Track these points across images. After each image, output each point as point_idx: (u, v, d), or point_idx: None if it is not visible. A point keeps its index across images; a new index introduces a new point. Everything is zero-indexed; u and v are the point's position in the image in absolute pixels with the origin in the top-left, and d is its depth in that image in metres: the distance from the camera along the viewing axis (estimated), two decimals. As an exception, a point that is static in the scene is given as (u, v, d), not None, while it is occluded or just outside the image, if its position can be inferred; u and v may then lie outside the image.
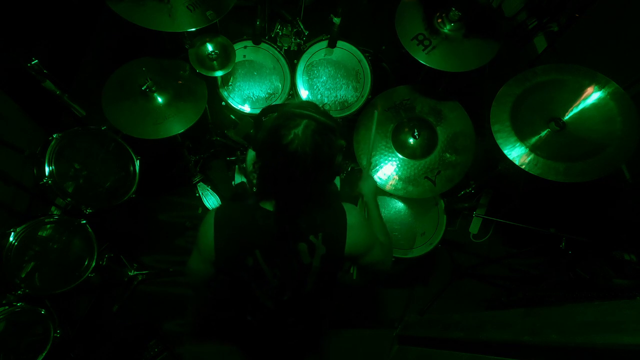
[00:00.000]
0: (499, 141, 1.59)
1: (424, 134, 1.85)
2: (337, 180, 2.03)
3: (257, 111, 1.85)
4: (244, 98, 1.96)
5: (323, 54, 2.01)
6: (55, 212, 1.90)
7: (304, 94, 1.95)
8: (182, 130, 1.72)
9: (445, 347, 1.64)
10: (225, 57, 1.82)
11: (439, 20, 1.73)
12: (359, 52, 2.00)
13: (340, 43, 1.98)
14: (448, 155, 1.83)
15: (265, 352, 1.97)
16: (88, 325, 1.96)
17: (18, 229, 1.56)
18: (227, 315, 2.06)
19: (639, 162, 2.08)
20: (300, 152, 0.90)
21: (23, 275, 1.57)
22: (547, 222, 1.83)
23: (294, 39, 2.22)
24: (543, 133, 1.59)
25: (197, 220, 2.28)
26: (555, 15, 2.64)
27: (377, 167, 1.84)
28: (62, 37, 2.34)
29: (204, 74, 1.76)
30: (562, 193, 2.22)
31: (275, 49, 1.99)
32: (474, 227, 2.47)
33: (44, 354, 1.54)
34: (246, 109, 1.93)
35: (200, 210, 2.31)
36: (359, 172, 2.18)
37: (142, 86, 1.68)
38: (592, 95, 1.56)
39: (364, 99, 1.96)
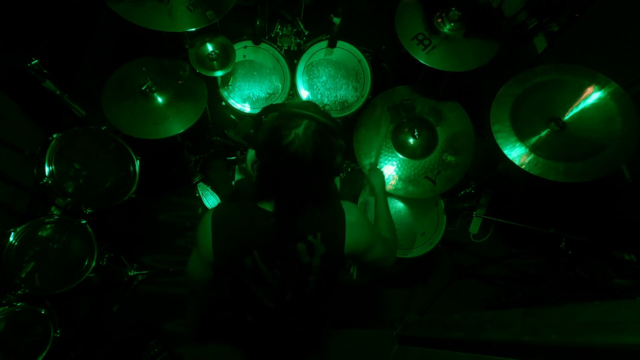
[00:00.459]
0: (499, 141, 1.59)
1: (424, 134, 1.85)
2: (337, 180, 2.03)
3: (257, 111, 1.86)
4: (244, 98, 1.96)
5: (323, 54, 2.01)
6: (55, 212, 1.90)
7: (304, 94, 1.95)
8: (182, 130, 1.71)
9: (445, 347, 1.64)
10: (225, 57, 1.82)
11: (439, 20, 1.73)
12: (359, 52, 2.00)
13: (340, 43, 1.98)
14: (448, 155, 1.83)
15: (266, 352, 1.97)
16: (88, 325, 1.96)
17: (18, 229, 1.56)
18: (228, 315, 2.06)
19: (639, 162, 2.08)
20: (300, 152, 0.90)
21: (23, 275, 1.57)
22: (547, 222, 1.83)
23: (294, 39, 2.22)
24: (543, 133, 1.59)
25: (197, 220, 2.27)
26: (555, 15, 2.64)
27: (378, 167, 1.84)
28: (62, 37, 2.34)
29: (204, 74, 1.76)
30: (562, 193, 2.22)
31: (275, 49, 1.99)
32: (474, 227, 2.47)
33: (44, 354, 1.55)
34: (246, 109, 1.93)
35: (200, 210, 2.31)
36: (359, 172, 2.18)
37: (142, 86, 1.68)
38: (592, 95, 1.56)
39: (364, 99, 1.96)
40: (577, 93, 1.58)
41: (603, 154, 1.50)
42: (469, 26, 1.73)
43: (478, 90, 2.37)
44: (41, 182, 1.55)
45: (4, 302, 1.53)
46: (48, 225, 1.67)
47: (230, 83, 1.96)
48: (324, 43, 1.98)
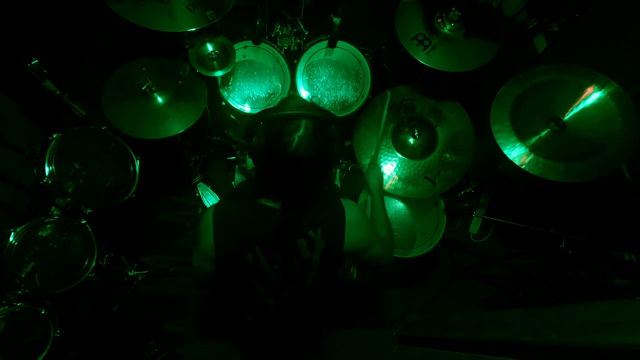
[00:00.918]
0: (499, 141, 1.59)
1: (424, 134, 1.85)
2: (337, 181, 2.03)
3: (257, 111, 1.86)
4: (244, 98, 1.96)
5: (323, 54, 2.01)
6: (55, 212, 1.90)
7: (304, 94, 1.95)
8: (182, 130, 1.71)
9: (445, 347, 1.64)
10: (225, 57, 1.82)
11: (439, 20, 1.73)
12: (359, 52, 2.00)
13: (340, 43, 1.98)
14: (448, 155, 1.83)
15: (266, 351, 1.97)
16: (88, 325, 1.96)
17: (18, 229, 1.56)
18: (227, 314, 2.06)
19: (639, 162, 2.08)
20: (308, 154, 0.91)
21: (23, 275, 1.57)
22: (547, 222, 1.83)
23: (294, 39, 2.22)
24: (543, 133, 1.59)
25: (197, 220, 2.27)
26: (555, 15, 2.64)
27: (377, 163, 1.83)
28: (62, 37, 2.34)
29: (204, 74, 1.76)
30: (562, 193, 2.22)
31: (275, 49, 1.99)
32: (474, 227, 2.47)
33: (44, 354, 1.54)
34: (246, 109, 1.93)
35: (200, 210, 2.31)
36: (359, 172, 2.19)
37: (142, 86, 1.68)
38: (592, 95, 1.56)
39: (364, 99, 1.96)
40: (577, 93, 1.58)
41: (603, 154, 1.50)
42: (469, 26, 1.73)
43: (478, 90, 2.37)
44: (41, 182, 1.55)
45: (4, 302, 1.53)
46: (48, 225, 1.66)
47: (230, 83, 1.96)
48: (324, 43, 1.98)
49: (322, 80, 1.99)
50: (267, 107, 1.10)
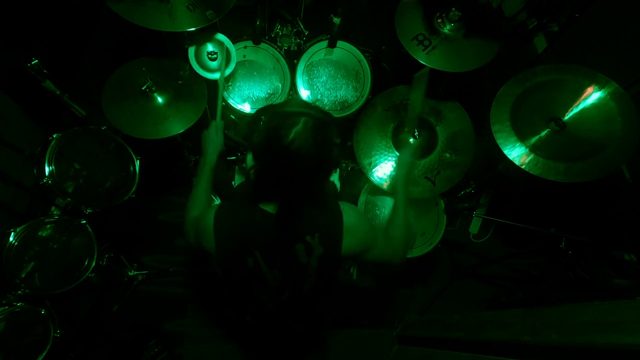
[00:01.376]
0: (499, 141, 1.59)
1: (423, 134, 1.85)
2: (337, 181, 2.03)
3: (257, 111, 1.85)
4: (244, 98, 1.96)
5: (323, 54, 2.01)
6: (55, 212, 1.90)
7: (304, 94, 1.95)
8: (182, 130, 1.71)
9: (445, 347, 1.64)
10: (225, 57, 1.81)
11: (439, 20, 1.73)
12: (359, 52, 2.00)
13: (340, 43, 1.98)
14: (448, 155, 1.83)
15: (266, 352, 1.98)
16: (88, 325, 1.96)
17: (18, 229, 1.56)
18: (227, 315, 2.06)
19: (639, 162, 2.08)
20: (303, 151, 0.91)
21: (23, 275, 1.57)
22: (547, 222, 1.83)
23: (294, 39, 2.22)
24: (543, 133, 1.59)
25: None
26: (555, 15, 2.64)
27: (377, 166, 1.83)
28: (62, 37, 2.34)
29: (205, 76, 1.76)
30: (563, 193, 2.22)
31: (275, 49, 1.99)
32: (474, 227, 2.47)
33: (44, 354, 1.55)
34: (246, 109, 1.93)
35: (200, 211, 2.30)
36: (359, 172, 2.18)
37: (142, 86, 1.68)
38: (592, 95, 1.56)
39: (364, 99, 1.96)
40: (577, 93, 1.58)
41: (603, 154, 1.50)
42: (469, 26, 1.73)
43: (478, 90, 2.37)
44: (41, 182, 1.55)
45: (4, 302, 1.53)
46: (48, 225, 1.67)
47: (230, 83, 1.96)
48: (324, 43, 1.98)
49: (322, 80, 1.99)
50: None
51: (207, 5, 1.63)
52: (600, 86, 1.55)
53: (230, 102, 1.92)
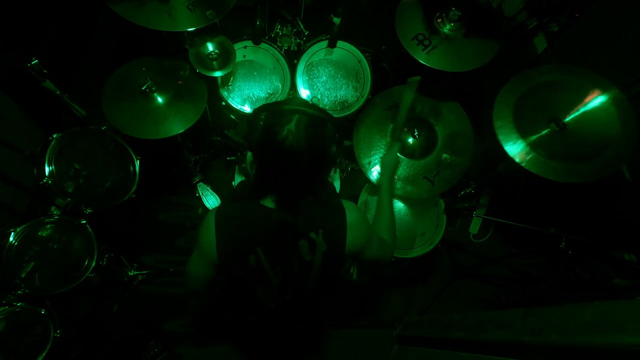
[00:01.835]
0: (500, 137, 1.59)
1: (423, 134, 1.85)
2: (337, 181, 2.03)
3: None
4: (244, 98, 1.96)
5: (323, 54, 2.01)
6: (55, 212, 1.90)
7: (304, 94, 1.95)
8: (182, 130, 1.71)
9: (445, 347, 1.64)
10: (225, 57, 1.81)
11: (439, 20, 1.73)
12: (359, 52, 2.00)
13: (340, 43, 1.98)
14: (447, 155, 1.83)
15: (266, 352, 1.97)
16: (88, 325, 1.96)
17: (18, 229, 1.56)
18: (228, 315, 2.06)
19: (639, 162, 2.08)
20: (295, 146, 0.93)
21: (23, 275, 1.57)
22: (547, 222, 1.83)
23: (294, 39, 2.22)
24: (544, 132, 1.59)
25: (197, 220, 2.28)
26: (555, 15, 2.64)
27: (376, 166, 1.83)
28: (62, 37, 2.34)
29: (204, 73, 1.76)
30: (563, 193, 2.22)
31: (275, 49, 1.99)
32: (474, 227, 2.47)
33: (44, 354, 1.55)
34: (246, 109, 1.93)
35: (200, 210, 2.31)
36: (359, 172, 2.18)
37: (142, 86, 1.68)
38: (595, 100, 1.56)
39: (364, 99, 1.96)
40: (580, 96, 1.58)
41: (601, 156, 1.51)
42: (469, 26, 1.73)
43: (478, 90, 2.37)
44: (41, 182, 1.55)
45: (4, 302, 1.53)
46: (48, 225, 1.67)
47: (230, 83, 1.96)
48: (324, 43, 1.98)
49: (322, 80, 1.99)
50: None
51: (207, 5, 1.63)
52: (602, 91, 1.55)
53: (230, 102, 1.92)
